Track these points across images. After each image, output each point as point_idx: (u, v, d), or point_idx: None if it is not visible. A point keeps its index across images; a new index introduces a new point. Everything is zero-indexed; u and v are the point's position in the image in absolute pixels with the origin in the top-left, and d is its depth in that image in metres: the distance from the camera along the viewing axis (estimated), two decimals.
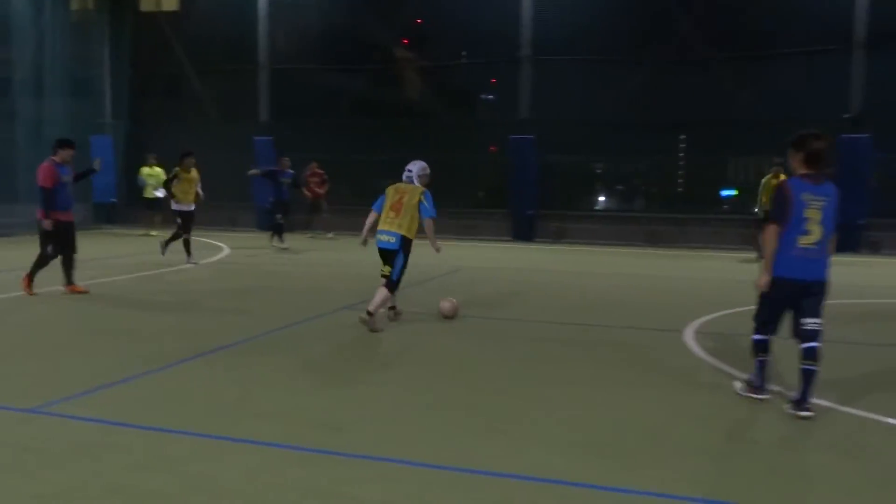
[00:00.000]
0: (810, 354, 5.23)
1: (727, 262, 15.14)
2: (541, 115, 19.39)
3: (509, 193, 19.48)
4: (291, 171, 16.36)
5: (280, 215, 15.84)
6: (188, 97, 22.80)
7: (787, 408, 5.27)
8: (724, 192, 20.48)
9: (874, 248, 16.50)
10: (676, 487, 3.98)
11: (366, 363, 6.71)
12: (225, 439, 4.59)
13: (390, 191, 8.14)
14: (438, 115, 21.05)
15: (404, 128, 20.38)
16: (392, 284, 7.97)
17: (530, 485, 4.00)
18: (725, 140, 18.82)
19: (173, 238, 13.17)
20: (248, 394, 5.60)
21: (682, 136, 19.95)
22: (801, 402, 5.21)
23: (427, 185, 8.22)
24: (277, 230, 15.85)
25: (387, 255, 8.03)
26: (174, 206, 13.31)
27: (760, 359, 5.59)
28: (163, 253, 13.11)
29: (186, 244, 13.18)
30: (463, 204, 20.34)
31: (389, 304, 8.34)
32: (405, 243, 7.97)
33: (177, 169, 13.23)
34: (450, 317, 8.58)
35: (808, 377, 5.21)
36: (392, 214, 7.99)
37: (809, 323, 5.27)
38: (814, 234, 5.21)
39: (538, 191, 19.15)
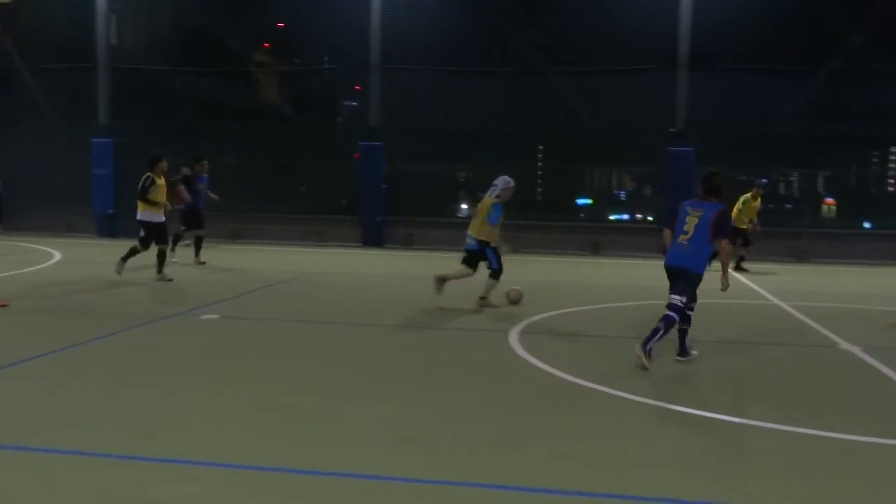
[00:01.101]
0: (665, 318, 6.87)
1: (575, 267, 15.85)
2: (391, 122, 19.61)
3: (359, 200, 19.59)
4: (207, 175, 14.65)
5: (185, 227, 14.20)
6: (20, 95, 21.47)
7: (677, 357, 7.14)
8: (580, 201, 21.42)
9: (594, 249, 17.62)
10: (483, 476, 4.20)
11: (182, 368, 6.61)
12: (24, 450, 4.44)
13: (479, 203, 10.16)
14: (292, 120, 20.86)
15: (258, 132, 20.09)
16: (496, 273, 9.83)
17: (338, 480, 4.11)
18: (579, 151, 19.71)
19: (131, 253, 11.55)
20: (55, 403, 5.42)
21: (540, 147, 20.75)
22: (645, 344, 6.78)
23: (507, 199, 10.02)
24: (197, 242, 14.17)
25: (470, 254, 9.93)
26: (142, 217, 11.52)
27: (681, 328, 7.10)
28: (119, 272, 11.49)
29: (161, 257, 11.65)
30: (314, 210, 20.29)
31: (481, 295, 9.90)
32: (481, 243, 9.81)
33: (150, 175, 11.53)
34: (515, 302, 10.15)
35: (654, 332, 6.84)
36: (473, 222, 9.98)
37: (672, 298, 6.97)
38: (689, 234, 6.96)
39: (388, 197, 19.35)
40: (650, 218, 20.60)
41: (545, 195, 20.97)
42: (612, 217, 21.42)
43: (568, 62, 18.96)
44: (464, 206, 22.60)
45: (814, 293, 12.24)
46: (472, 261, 9.95)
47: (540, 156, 20.97)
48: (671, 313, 6.86)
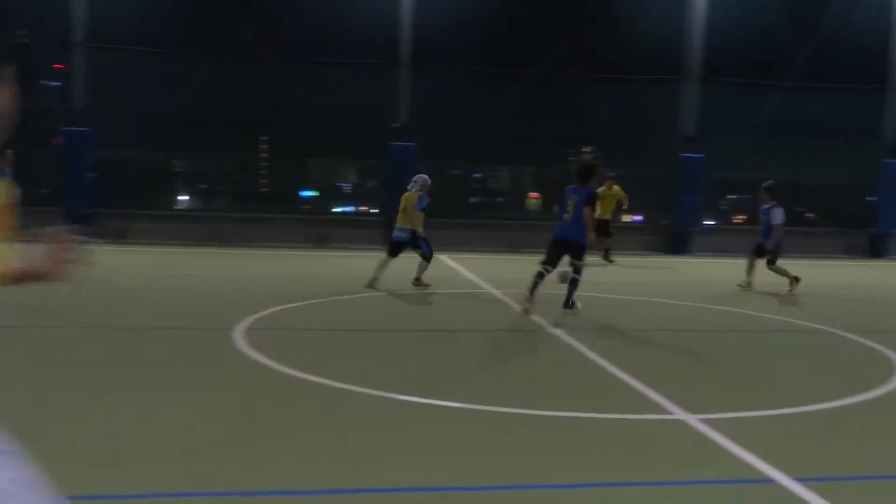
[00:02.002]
0: (571, 279, 9.48)
1: (301, 260, 15.70)
2: (100, 106, 18.08)
3: (62, 190, 17.86)
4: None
5: None
6: None
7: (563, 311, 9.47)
8: (305, 193, 21.25)
9: (320, 242, 18.25)
10: (206, 484, 3.98)
11: None
12: None
13: (402, 199, 11.55)
14: None
15: None
16: (426, 258, 11.45)
17: None
18: (304, 142, 19.52)
19: None
20: None
21: (264, 137, 20.25)
22: (566, 304, 9.56)
23: (428, 192, 11.49)
24: None
25: (400, 244, 11.47)
26: None
27: (535, 280, 9.43)
28: None
29: None
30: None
31: (417, 277, 11.49)
32: (415, 234, 11.32)
33: None
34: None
35: (569, 290, 9.53)
36: (402, 217, 11.48)
37: (573, 262, 9.53)
38: (570, 214, 9.45)
39: (98, 188, 17.85)
40: (375, 210, 21.04)
41: (269, 187, 20.62)
42: (336, 209, 21.59)
43: (294, 53, 18.74)
44: (182, 198, 21.52)
45: (523, 281, 13.19)
46: (396, 251, 11.50)
47: (264, 146, 20.56)
48: (577, 276, 9.50)
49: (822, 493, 4.13)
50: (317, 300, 10.31)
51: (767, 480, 4.35)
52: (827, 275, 15.33)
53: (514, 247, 18.82)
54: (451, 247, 18.08)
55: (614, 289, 12.56)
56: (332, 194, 22.50)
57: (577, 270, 9.51)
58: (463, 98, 19.09)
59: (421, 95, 18.79)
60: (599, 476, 4.37)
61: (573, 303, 9.55)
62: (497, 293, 11.51)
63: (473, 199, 22.26)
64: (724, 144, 19.39)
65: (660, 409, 5.65)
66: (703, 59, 19.62)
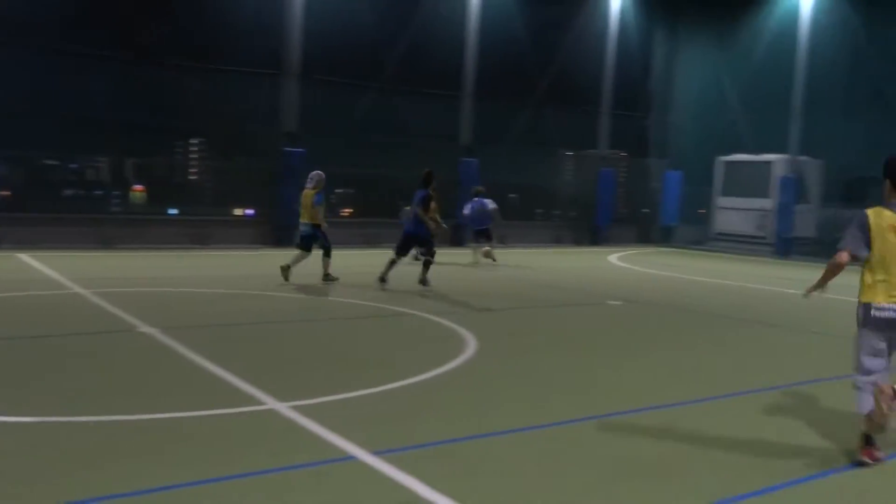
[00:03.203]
0: (426, 263, 12.09)
1: None
2: None
3: None
4: None
5: None
6: None
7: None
8: None
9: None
10: None
11: None
12: None
13: (301, 196, 12.31)
14: None
15: None
16: (328, 250, 12.23)
17: None
18: None
19: None
20: None
21: None
22: (421, 282, 12.03)
23: (322, 188, 12.27)
24: None
25: (304, 238, 12.23)
26: None
27: (388, 266, 11.88)
28: None
29: None
30: None
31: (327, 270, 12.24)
32: (314, 227, 12.16)
33: None
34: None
35: (423, 271, 12.04)
36: (303, 212, 12.28)
37: (420, 251, 12.53)
38: (411, 210, 12.15)
39: None
40: None
41: None
42: None
43: None
44: None
45: (118, 279, 12.38)
46: (307, 245, 12.21)
47: None
48: (430, 258, 12.04)
49: (395, 463, 4.50)
50: None
51: (349, 458, 4.61)
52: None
53: (109, 243, 17.51)
54: (35, 244, 16.28)
55: (219, 283, 12.32)
56: None
57: (428, 254, 12.05)
58: (47, 78, 17.19)
59: None
60: (187, 476, 4.25)
61: (426, 280, 12.02)
62: (86, 293, 10.61)
63: (67, 192, 20.15)
64: (324, 141, 20.06)
65: (253, 401, 5.70)
66: (303, 57, 20.10)
